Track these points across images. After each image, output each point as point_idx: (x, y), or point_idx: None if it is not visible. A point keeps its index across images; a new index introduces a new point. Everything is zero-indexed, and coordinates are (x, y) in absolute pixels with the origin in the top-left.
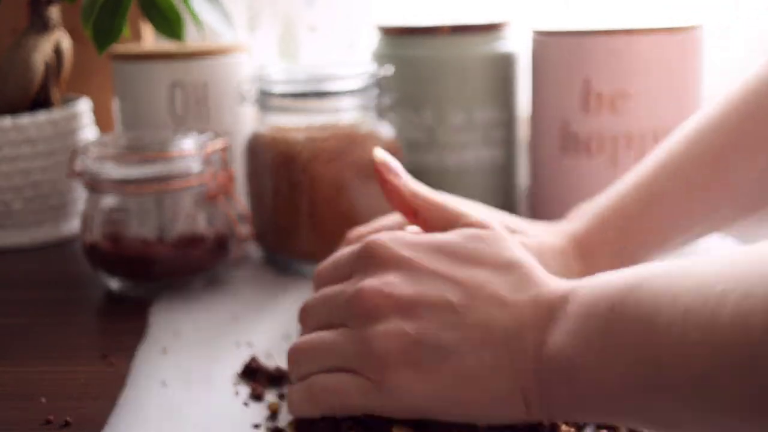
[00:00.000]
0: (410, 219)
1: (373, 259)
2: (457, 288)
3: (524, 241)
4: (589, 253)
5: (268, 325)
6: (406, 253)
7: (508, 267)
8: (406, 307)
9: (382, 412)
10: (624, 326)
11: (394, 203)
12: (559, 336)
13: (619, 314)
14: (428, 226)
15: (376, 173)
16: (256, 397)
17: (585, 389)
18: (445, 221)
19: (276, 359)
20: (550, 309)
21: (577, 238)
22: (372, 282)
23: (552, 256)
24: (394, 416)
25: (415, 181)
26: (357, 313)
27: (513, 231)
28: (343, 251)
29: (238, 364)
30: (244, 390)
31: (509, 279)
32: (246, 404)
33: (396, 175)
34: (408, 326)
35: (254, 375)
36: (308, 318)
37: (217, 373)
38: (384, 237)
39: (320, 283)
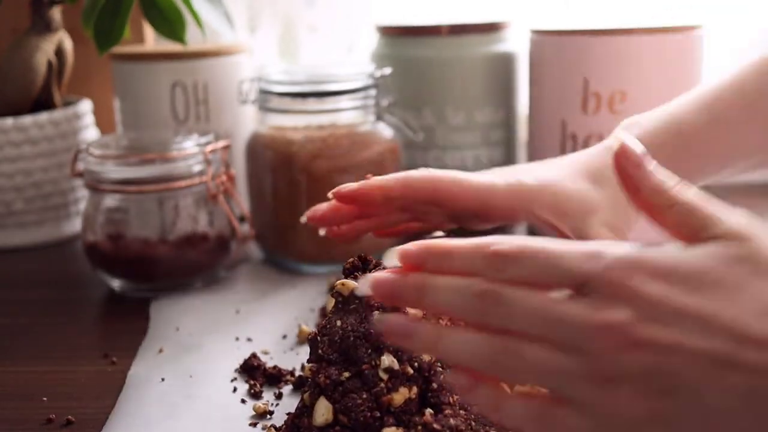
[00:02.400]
0: (649, 220)
1: (611, 290)
2: (719, 332)
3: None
4: None
5: (268, 324)
6: (652, 284)
7: None
8: (664, 352)
9: None
10: None
11: (632, 199)
12: None
13: None
14: (670, 230)
15: (615, 161)
16: (255, 394)
17: None
18: (691, 229)
19: (274, 358)
20: None
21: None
22: (618, 317)
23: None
24: None
25: (661, 170)
26: (595, 352)
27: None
28: (565, 253)
29: (236, 360)
30: (243, 387)
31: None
32: (243, 401)
33: (636, 165)
34: (660, 375)
35: (253, 372)
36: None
37: (216, 368)
38: (624, 262)
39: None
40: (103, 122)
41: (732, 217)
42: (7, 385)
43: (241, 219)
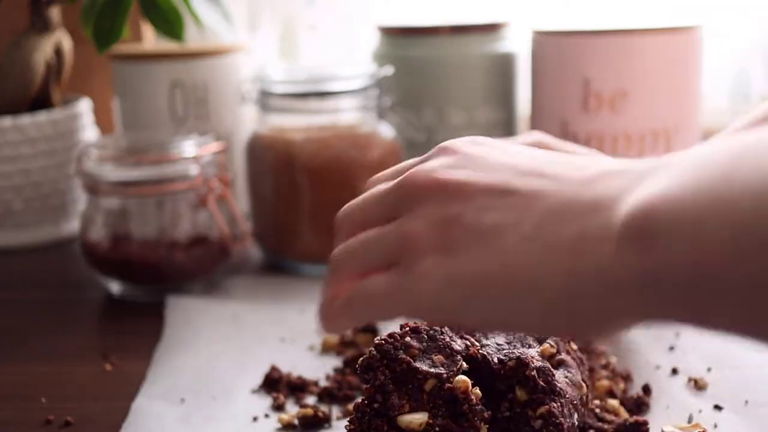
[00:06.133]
0: None
1: (419, 191)
2: (519, 173)
3: None
4: None
5: (291, 331)
6: (469, 149)
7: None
8: (453, 189)
9: (405, 310)
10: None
11: None
12: (656, 186)
13: (738, 169)
14: None
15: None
16: (278, 407)
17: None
18: None
19: (298, 367)
20: (634, 173)
21: None
22: (426, 166)
23: None
24: (416, 316)
25: None
26: (402, 200)
27: None
28: (373, 192)
29: (258, 373)
30: (266, 401)
31: (578, 161)
32: (267, 416)
33: None
34: (447, 207)
35: (276, 384)
36: (344, 263)
37: (237, 384)
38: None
39: (348, 229)
40: (103, 122)
41: None
42: (6, 385)
43: (241, 221)
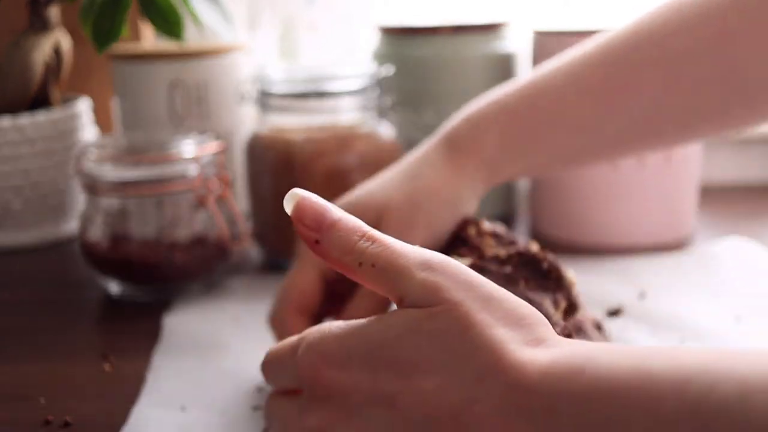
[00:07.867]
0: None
1: (313, 389)
2: (400, 415)
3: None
4: (461, 151)
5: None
6: (340, 376)
7: (465, 356)
8: None
9: None
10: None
11: (325, 261)
12: None
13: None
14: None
15: (295, 226)
16: None
17: None
18: (385, 289)
19: None
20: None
21: (450, 140)
22: (313, 422)
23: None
24: None
25: (348, 221)
26: None
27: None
28: (286, 351)
29: (259, 375)
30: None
31: (467, 373)
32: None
33: (317, 228)
34: None
35: None
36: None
37: (237, 387)
38: (312, 354)
39: (268, 376)
40: (102, 121)
41: (421, 272)
42: (5, 385)
43: (240, 221)
